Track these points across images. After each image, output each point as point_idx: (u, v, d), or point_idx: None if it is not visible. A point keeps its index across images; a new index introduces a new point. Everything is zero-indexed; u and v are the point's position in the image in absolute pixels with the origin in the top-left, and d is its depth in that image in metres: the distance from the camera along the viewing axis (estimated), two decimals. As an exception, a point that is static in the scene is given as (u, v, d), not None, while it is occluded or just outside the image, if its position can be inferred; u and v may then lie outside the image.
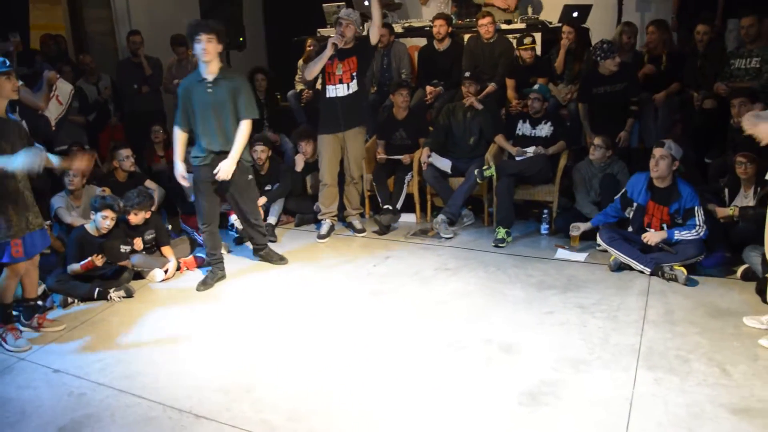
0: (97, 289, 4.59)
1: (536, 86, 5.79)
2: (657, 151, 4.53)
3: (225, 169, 4.53)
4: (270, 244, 5.30)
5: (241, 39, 7.91)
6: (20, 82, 5.02)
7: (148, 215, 5.06)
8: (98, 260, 4.58)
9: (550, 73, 6.50)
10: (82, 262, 4.60)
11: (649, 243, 4.56)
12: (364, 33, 5.58)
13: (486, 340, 3.74)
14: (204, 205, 4.78)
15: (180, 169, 4.69)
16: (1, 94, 3.75)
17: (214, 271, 4.89)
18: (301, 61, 7.64)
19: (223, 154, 4.56)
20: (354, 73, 5.33)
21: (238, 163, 4.62)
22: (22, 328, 4.13)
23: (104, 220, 4.64)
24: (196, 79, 4.51)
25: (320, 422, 3.07)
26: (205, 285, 4.79)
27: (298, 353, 3.74)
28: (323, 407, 3.19)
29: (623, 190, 4.82)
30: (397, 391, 3.29)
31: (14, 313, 4.18)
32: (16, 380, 3.62)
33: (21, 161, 3.54)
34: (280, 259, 5.19)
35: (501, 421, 3.00)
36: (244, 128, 4.56)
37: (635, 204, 4.72)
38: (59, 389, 3.49)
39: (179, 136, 4.70)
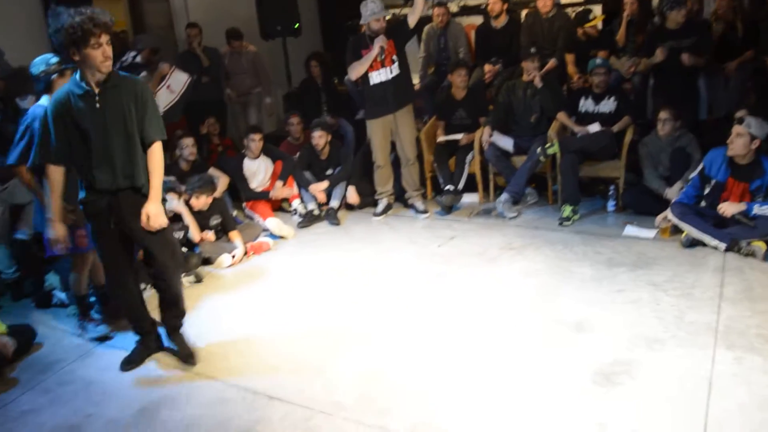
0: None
1: (599, 60, 5.62)
2: (735, 128, 4.34)
3: (155, 215, 3.27)
4: (333, 228, 5.28)
5: (296, 25, 7.94)
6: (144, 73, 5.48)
7: (209, 200, 5.14)
8: None
9: (611, 46, 6.31)
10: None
11: (725, 215, 4.39)
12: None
13: (556, 320, 3.69)
14: (110, 265, 3.53)
15: (58, 232, 3.39)
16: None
17: (142, 345, 3.74)
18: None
19: (123, 192, 3.32)
20: (394, 56, 5.37)
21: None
22: (96, 316, 4.25)
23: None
24: (75, 91, 3.20)
25: (390, 403, 3.08)
26: (129, 364, 3.67)
27: (366, 334, 3.77)
28: (393, 388, 3.20)
29: (700, 167, 4.61)
30: (466, 372, 3.28)
31: (91, 300, 4.33)
32: (97, 363, 3.77)
33: None
34: (187, 358, 3.67)
35: (575, 400, 2.96)
36: (158, 154, 3.33)
37: (713, 181, 4.52)
38: (137, 371, 3.62)
39: (55, 176, 3.32)
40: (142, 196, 3.32)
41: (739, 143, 4.32)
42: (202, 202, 5.09)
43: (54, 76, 3.75)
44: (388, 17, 5.31)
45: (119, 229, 3.38)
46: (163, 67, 5.76)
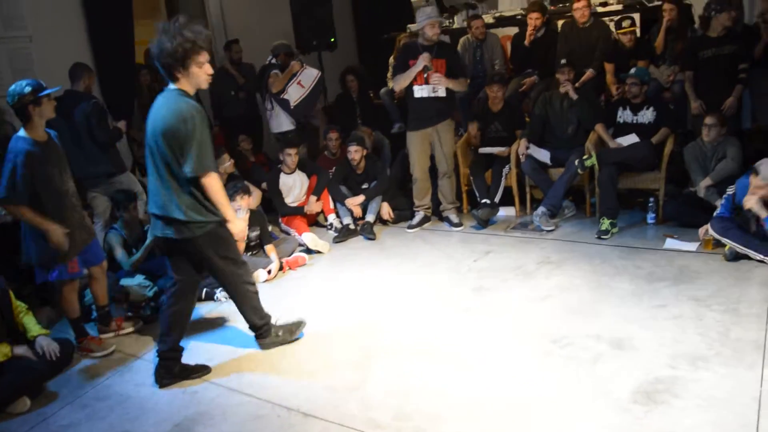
0: (204, 289, 4.75)
1: (632, 70, 5.53)
2: (752, 179, 4.22)
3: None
4: (369, 242, 5.27)
5: (332, 39, 7.99)
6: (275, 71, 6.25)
7: (248, 201, 5.13)
8: None
9: (651, 54, 6.19)
10: None
11: (746, 207, 4.23)
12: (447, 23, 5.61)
13: (595, 336, 3.60)
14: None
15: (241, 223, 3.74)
16: (42, 116, 3.66)
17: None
18: (392, 59, 7.63)
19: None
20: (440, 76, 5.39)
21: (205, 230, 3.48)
22: (101, 336, 4.30)
23: None
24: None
25: (426, 421, 3.04)
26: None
27: (401, 350, 3.73)
28: (429, 405, 3.16)
29: (730, 193, 4.46)
30: (503, 390, 3.22)
31: (93, 315, 4.42)
32: (134, 378, 3.80)
33: None
34: (293, 331, 4.00)
35: (615, 420, 2.88)
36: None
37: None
38: (173, 387, 3.63)
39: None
40: None
41: (752, 201, 4.20)
42: (246, 201, 5.10)
43: (30, 106, 3.61)
44: (445, 24, 5.31)
45: None
46: (293, 64, 6.30)
